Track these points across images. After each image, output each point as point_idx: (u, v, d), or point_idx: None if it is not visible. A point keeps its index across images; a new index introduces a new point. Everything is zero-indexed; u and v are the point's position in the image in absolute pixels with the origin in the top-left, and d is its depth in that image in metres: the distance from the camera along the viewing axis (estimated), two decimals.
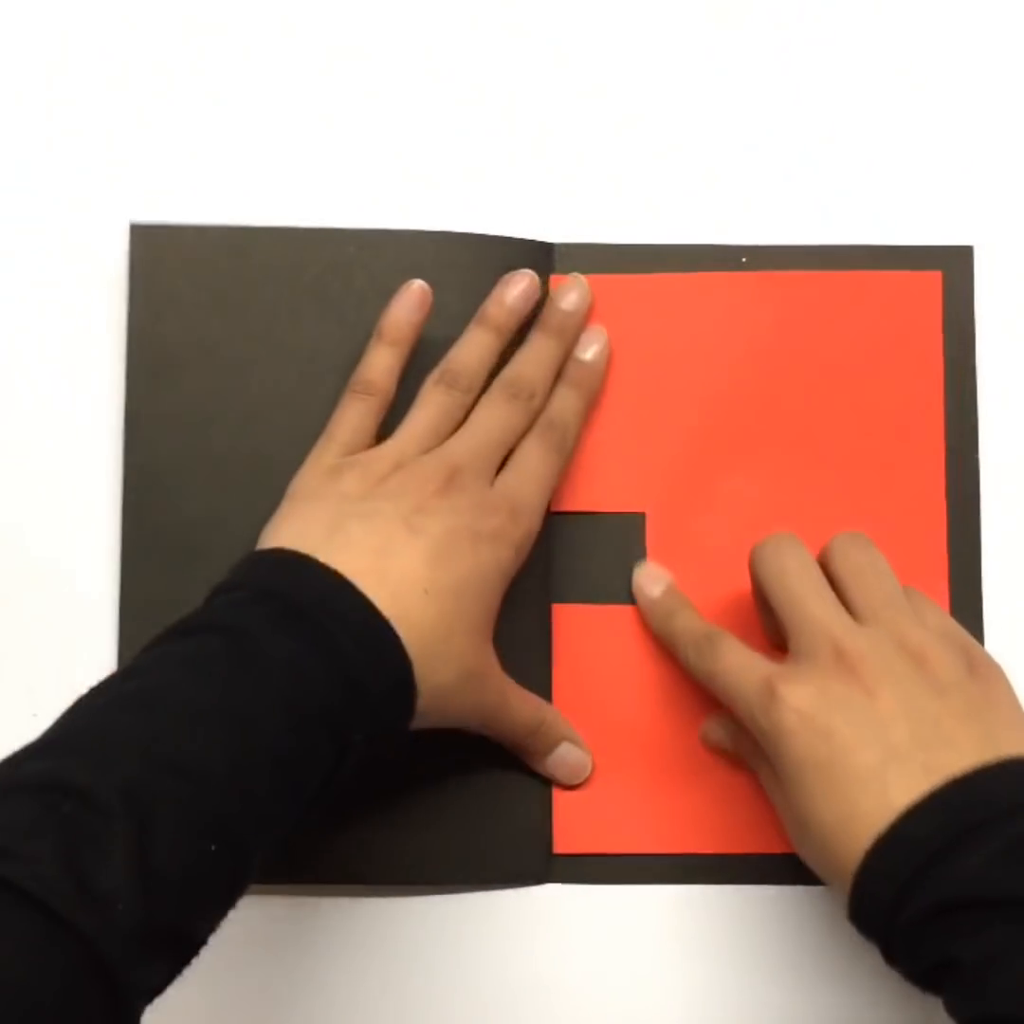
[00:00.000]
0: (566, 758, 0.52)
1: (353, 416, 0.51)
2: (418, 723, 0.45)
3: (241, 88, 0.57)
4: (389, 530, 0.46)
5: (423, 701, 0.45)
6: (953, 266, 0.55)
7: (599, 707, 0.53)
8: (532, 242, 0.55)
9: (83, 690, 0.52)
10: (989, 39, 0.57)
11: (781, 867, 0.53)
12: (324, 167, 0.56)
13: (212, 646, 0.41)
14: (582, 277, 0.53)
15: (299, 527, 0.46)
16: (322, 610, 0.42)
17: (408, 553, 0.45)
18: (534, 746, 0.51)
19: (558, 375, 0.53)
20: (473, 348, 0.52)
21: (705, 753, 0.53)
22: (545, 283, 0.54)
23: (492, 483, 0.50)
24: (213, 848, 0.37)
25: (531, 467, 0.51)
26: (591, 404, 0.54)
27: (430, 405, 0.51)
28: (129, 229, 0.54)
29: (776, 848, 0.52)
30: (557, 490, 0.53)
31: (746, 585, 0.52)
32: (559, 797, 0.53)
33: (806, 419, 0.54)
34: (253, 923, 0.52)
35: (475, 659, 0.47)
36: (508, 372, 0.52)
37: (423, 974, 0.52)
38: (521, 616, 0.53)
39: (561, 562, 0.54)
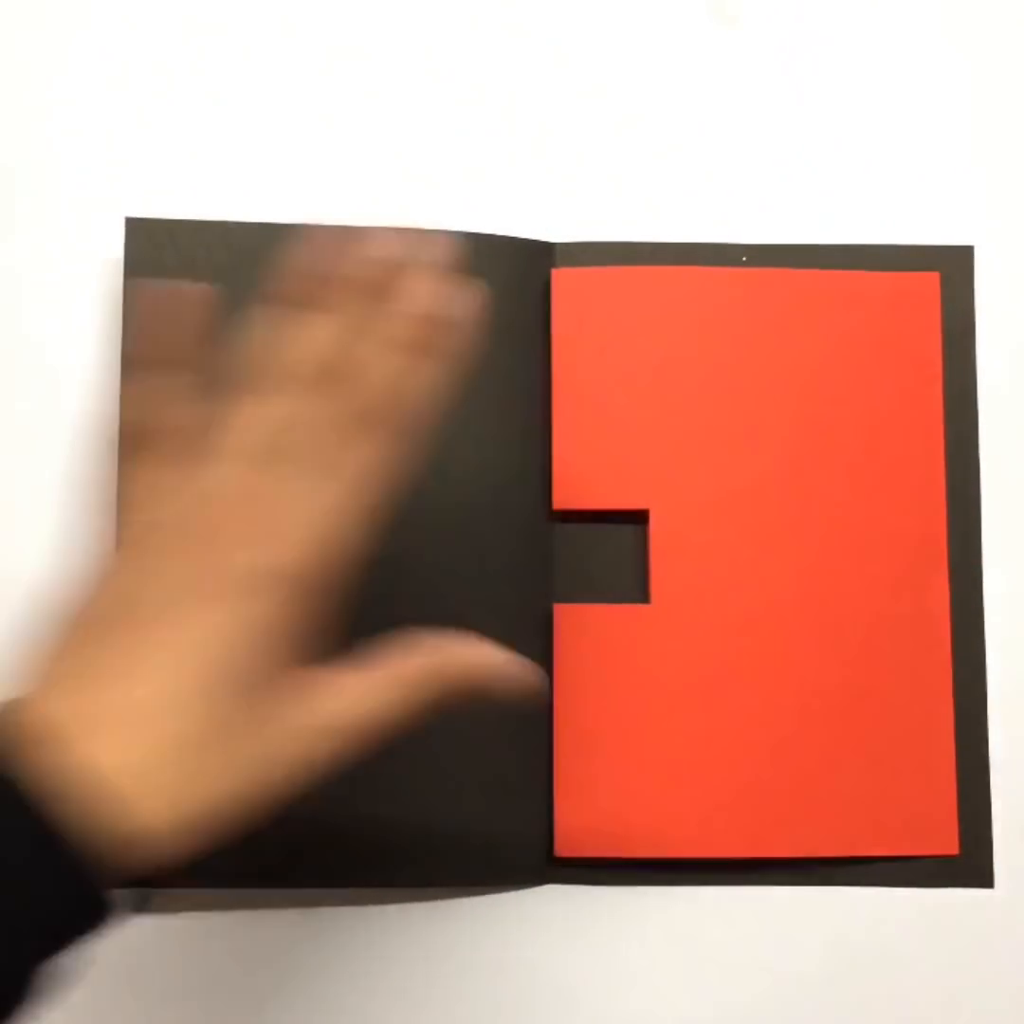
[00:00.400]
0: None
1: None
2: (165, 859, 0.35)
3: (239, 85, 0.56)
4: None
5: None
6: (953, 266, 0.56)
7: (600, 708, 0.53)
8: (532, 241, 0.55)
9: None
10: (988, 39, 0.58)
11: (782, 870, 0.53)
12: (322, 164, 0.56)
13: None
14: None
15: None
16: None
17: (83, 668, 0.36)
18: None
19: None
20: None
21: (706, 756, 0.53)
22: (546, 280, 0.54)
23: None
24: None
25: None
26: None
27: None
28: (125, 223, 0.53)
29: (777, 851, 0.52)
30: (559, 492, 0.53)
31: (746, 581, 0.52)
32: (560, 799, 0.52)
33: (807, 418, 0.54)
34: (253, 926, 0.51)
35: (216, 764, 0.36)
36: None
37: (423, 976, 0.52)
38: (521, 616, 0.52)
39: (562, 561, 0.54)
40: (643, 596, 0.54)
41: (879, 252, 0.55)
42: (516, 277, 0.54)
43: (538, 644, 0.53)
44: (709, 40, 0.57)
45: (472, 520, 0.53)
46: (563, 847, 0.52)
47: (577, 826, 0.52)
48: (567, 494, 0.54)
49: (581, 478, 0.54)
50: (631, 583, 0.54)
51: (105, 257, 0.54)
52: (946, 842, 0.53)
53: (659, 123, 0.57)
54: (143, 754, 0.34)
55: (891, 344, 0.55)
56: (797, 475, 0.54)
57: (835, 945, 0.53)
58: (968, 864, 0.53)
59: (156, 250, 0.53)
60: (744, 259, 0.55)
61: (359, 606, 0.52)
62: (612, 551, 0.54)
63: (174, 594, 0.36)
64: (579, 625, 0.53)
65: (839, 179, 0.57)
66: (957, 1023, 0.52)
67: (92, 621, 0.37)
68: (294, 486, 0.38)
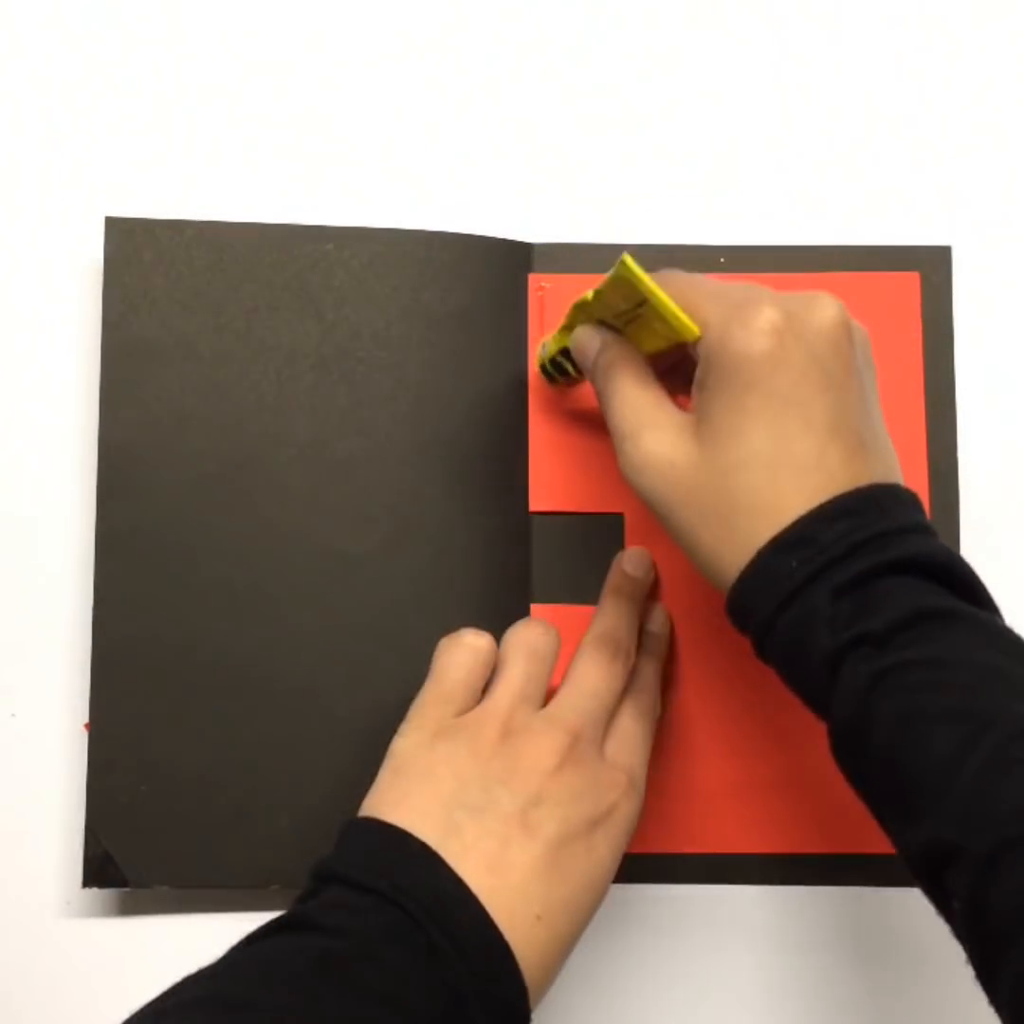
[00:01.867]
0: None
1: (460, 672, 0.48)
2: None
3: (221, 84, 0.56)
4: (505, 832, 0.43)
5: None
6: (931, 266, 0.56)
7: None
8: (511, 242, 0.55)
9: (58, 691, 0.52)
10: (968, 42, 0.58)
11: (779, 866, 0.53)
12: (304, 164, 0.56)
13: (323, 949, 0.39)
14: (646, 550, 0.53)
15: (417, 810, 0.43)
16: (441, 926, 0.40)
17: (522, 862, 0.42)
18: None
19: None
20: (627, 619, 0.51)
21: (693, 753, 0.53)
22: (524, 282, 0.54)
23: (603, 750, 0.47)
24: None
25: (632, 735, 0.49)
26: (661, 672, 0.52)
27: (528, 652, 0.48)
28: (105, 223, 0.53)
29: (774, 848, 0.53)
30: (536, 494, 0.54)
31: None
32: None
33: None
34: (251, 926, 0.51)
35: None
36: (599, 629, 0.50)
37: None
38: (499, 617, 0.53)
39: (540, 562, 0.54)
40: None
41: (857, 253, 0.55)
42: (495, 277, 0.54)
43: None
44: (690, 42, 0.57)
45: (450, 521, 0.53)
46: None
47: None
48: (544, 497, 0.54)
49: (557, 481, 0.54)
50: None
51: (80, 251, 0.55)
52: None
53: (639, 124, 0.57)
54: (556, 945, 0.42)
55: (872, 344, 0.55)
56: None
57: (837, 943, 0.53)
58: None
59: (136, 250, 0.53)
60: (722, 260, 0.55)
61: (336, 607, 0.53)
62: (589, 553, 0.54)
63: (587, 817, 0.44)
64: (557, 625, 0.53)
65: (817, 181, 0.57)
66: (954, 1018, 0.52)
67: (519, 809, 0.44)
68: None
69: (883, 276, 0.55)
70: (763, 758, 0.53)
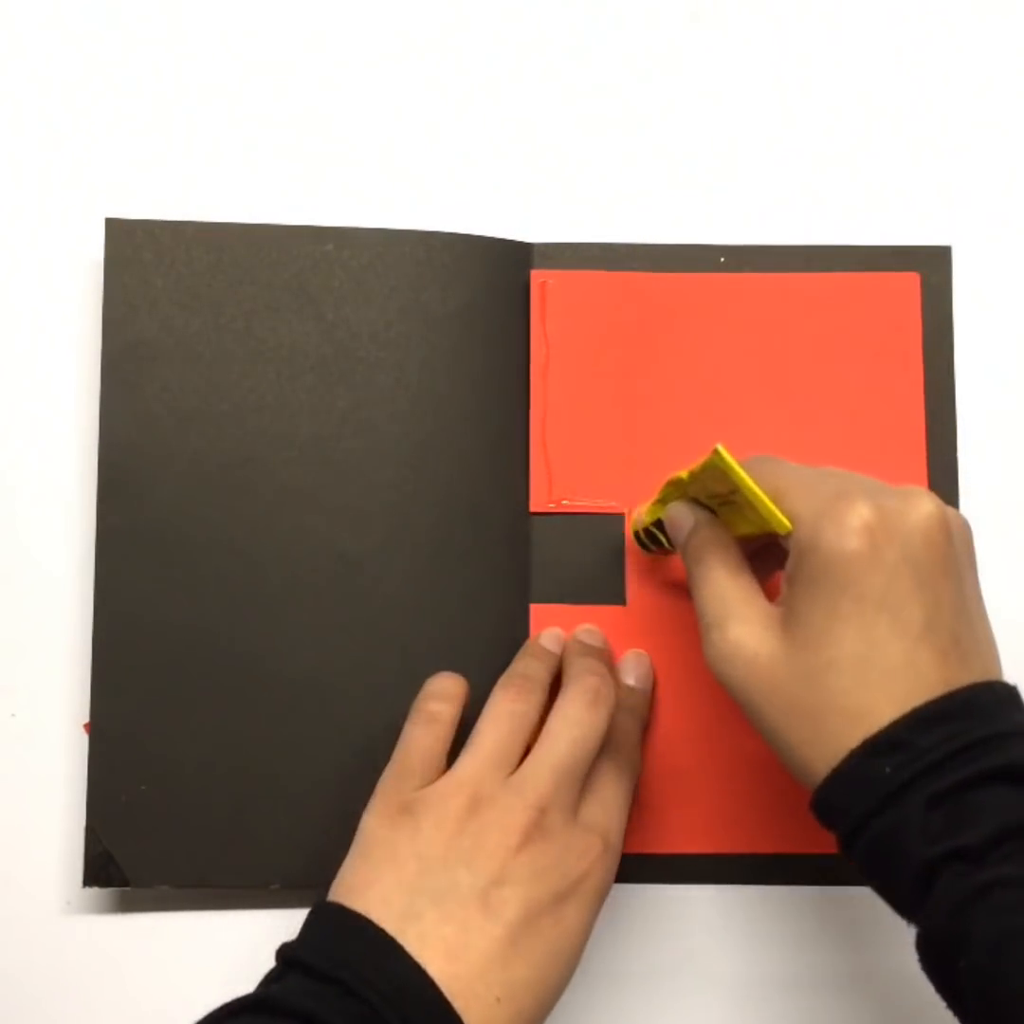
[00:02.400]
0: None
1: (423, 742, 0.48)
2: None
3: (221, 85, 0.56)
4: (465, 916, 0.43)
5: None
6: (931, 266, 0.55)
7: None
8: (511, 242, 0.55)
9: (57, 690, 0.52)
10: (967, 42, 0.58)
11: (772, 866, 0.53)
12: (303, 164, 0.56)
13: None
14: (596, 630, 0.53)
15: (379, 896, 0.44)
16: (401, 1014, 0.40)
17: (482, 947, 0.43)
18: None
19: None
20: (536, 658, 0.51)
21: (688, 753, 0.53)
22: (525, 280, 0.54)
23: (577, 813, 0.47)
24: None
25: (610, 796, 0.48)
26: (643, 728, 0.52)
27: (505, 714, 0.48)
28: (105, 224, 0.53)
29: (768, 848, 0.53)
30: (536, 494, 0.54)
31: None
32: None
33: (786, 420, 0.55)
34: (259, 927, 0.52)
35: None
36: (576, 672, 0.49)
37: None
38: (498, 616, 0.53)
39: (540, 562, 0.54)
40: (620, 597, 0.54)
41: (857, 253, 0.55)
42: (495, 277, 0.54)
43: (515, 644, 0.53)
44: (689, 41, 0.57)
45: (450, 520, 0.53)
46: None
47: None
48: (544, 496, 0.54)
49: (558, 480, 0.54)
50: (608, 585, 0.54)
51: (80, 252, 0.55)
52: None
53: (638, 123, 0.57)
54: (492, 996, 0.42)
55: (872, 344, 0.55)
56: None
57: (833, 943, 0.53)
58: None
59: (136, 250, 0.53)
60: (722, 260, 0.55)
61: (336, 606, 0.53)
62: (590, 552, 0.54)
63: (552, 891, 0.44)
64: (557, 626, 0.53)
65: (817, 180, 0.57)
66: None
67: (478, 890, 0.44)
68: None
69: (883, 276, 0.55)
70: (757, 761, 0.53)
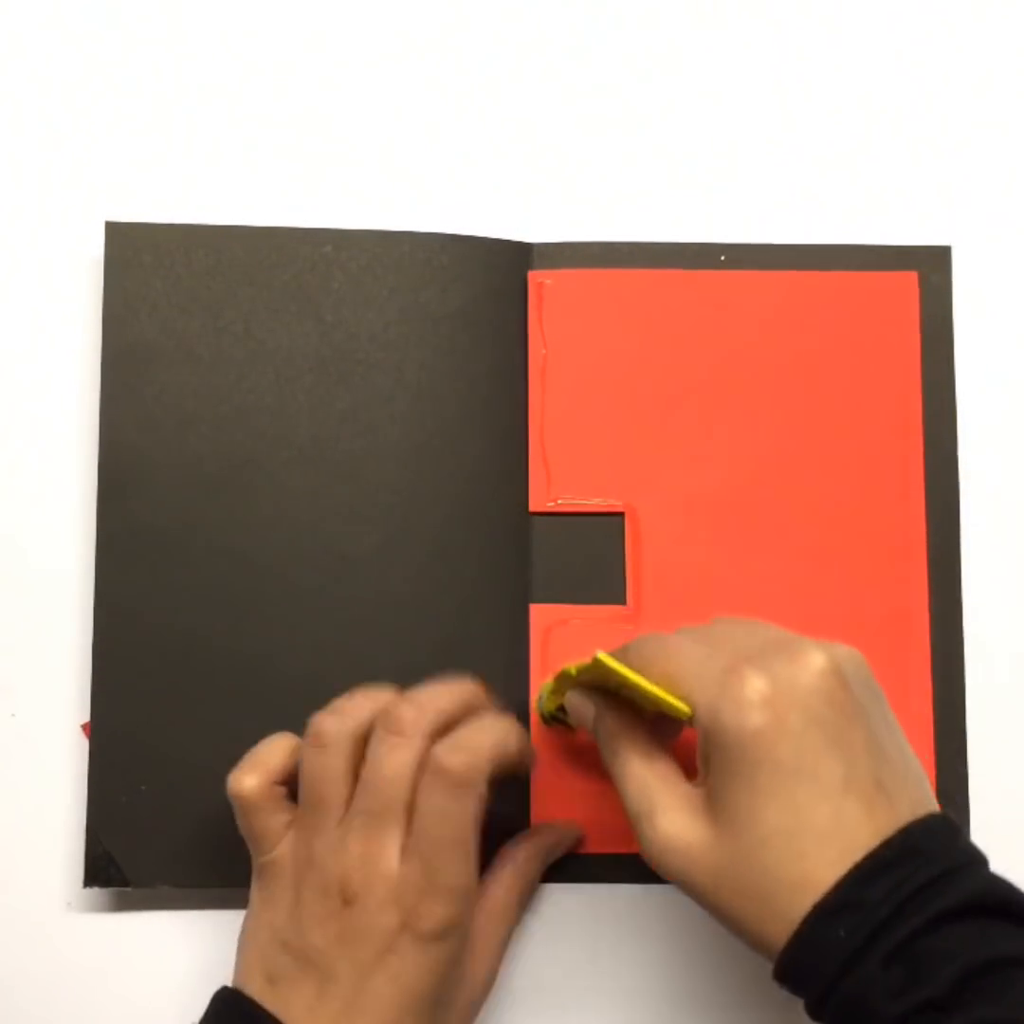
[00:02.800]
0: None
1: (241, 824, 0.48)
2: None
3: (219, 87, 0.57)
4: (304, 984, 0.45)
5: None
6: (931, 266, 0.55)
7: None
8: (510, 242, 0.55)
9: (58, 690, 0.53)
10: (967, 42, 0.58)
11: None
12: (303, 165, 0.56)
13: None
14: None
15: (244, 967, 0.46)
16: None
17: (326, 1011, 0.44)
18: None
19: None
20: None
21: (686, 754, 0.53)
22: (523, 280, 0.54)
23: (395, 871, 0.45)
24: None
25: (435, 822, 0.45)
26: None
27: (314, 765, 0.47)
28: (105, 227, 0.53)
29: None
30: (535, 494, 0.54)
31: (724, 583, 0.52)
32: (537, 800, 0.52)
33: (785, 418, 0.54)
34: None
35: None
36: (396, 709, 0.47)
37: None
38: (498, 616, 0.53)
39: (539, 562, 0.54)
40: (620, 597, 0.54)
41: (857, 252, 0.55)
42: (494, 278, 0.54)
43: (514, 644, 0.53)
44: (689, 40, 0.57)
45: (450, 520, 0.53)
46: None
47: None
48: (544, 495, 0.54)
49: (558, 479, 0.54)
50: (608, 584, 0.54)
51: (80, 255, 0.55)
52: None
53: (638, 122, 0.57)
54: None
55: (869, 343, 0.55)
56: (776, 475, 0.54)
57: None
58: None
59: (136, 253, 0.53)
60: (722, 258, 0.55)
61: (336, 607, 0.53)
62: (589, 552, 0.54)
63: (384, 941, 0.44)
64: (555, 625, 0.54)
65: (817, 180, 0.57)
66: None
67: (312, 955, 0.45)
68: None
69: (881, 275, 0.55)
70: None
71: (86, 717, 0.52)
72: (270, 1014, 0.44)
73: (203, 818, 0.52)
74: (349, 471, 0.53)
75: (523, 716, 0.53)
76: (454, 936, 0.45)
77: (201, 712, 0.52)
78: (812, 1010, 0.41)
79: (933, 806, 0.42)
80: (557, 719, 0.52)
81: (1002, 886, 0.40)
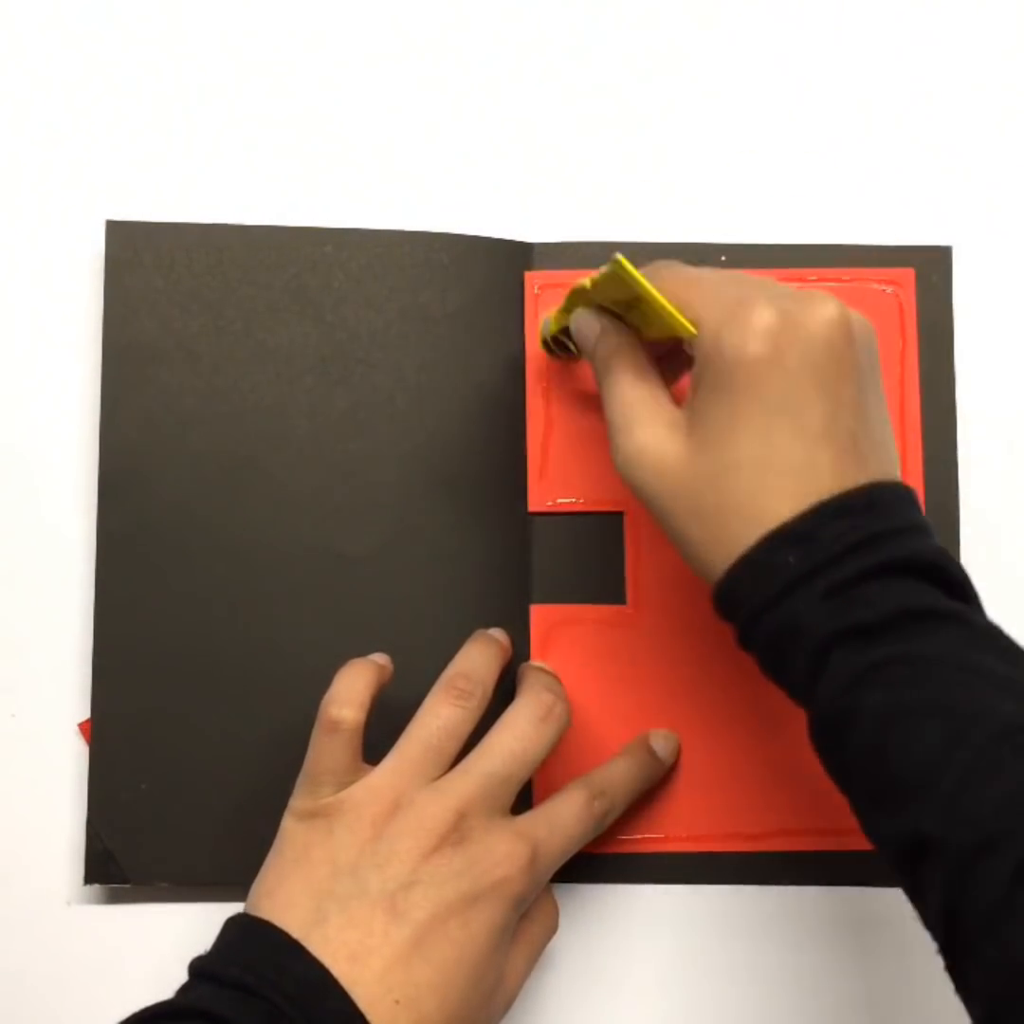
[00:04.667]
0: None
1: (327, 751, 0.47)
2: None
3: (220, 86, 0.57)
4: (369, 920, 0.43)
5: None
6: (931, 266, 0.55)
7: (576, 708, 0.53)
8: (511, 242, 0.55)
9: (58, 691, 0.53)
10: (966, 41, 0.58)
11: (770, 866, 0.53)
12: (303, 165, 0.56)
13: None
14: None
15: (285, 899, 0.44)
16: (306, 1014, 0.40)
17: (384, 950, 0.42)
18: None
19: None
20: (481, 654, 0.49)
21: (684, 752, 0.53)
22: (520, 281, 0.54)
23: (507, 814, 0.46)
24: None
25: (565, 821, 0.47)
26: (645, 784, 0.52)
27: (434, 718, 0.47)
28: (106, 226, 0.54)
29: (764, 846, 0.53)
30: (535, 494, 0.54)
31: None
32: (538, 799, 0.52)
33: None
34: None
35: None
36: (530, 684, 0.49)
37: None
38: (498, 616, 0.53)
39: (540, 562, 0.54)
40: (620, 597, 0.54)
41: (857, 252, 0.55)
42: (494, 278, 0.55)
43: (515, 643, 0.53)
44: (689, 40, 0.57)
45: (449, 522, 0.53)
46: None
47: None
48: (543, 496, 0.54)
49: (558, 479, 0.54)
50: (608, 584, 0.54)
51: (81, 254, 0.55)
52: None
53: (638, 122, 0.57)
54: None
55: None
56: None
57: (833, 943, 0.53)
58: None
59: (136, 253, 0.54)
60: (723, 258, 0.55)
61: (336, 606, 0.53)
62: (589, 552, 0.54)
63: (462, 893, 0.44)
64: (556, 625, 0.54)
65: (818, 179, 0.57)
66: (944, 1006, 0.52)
67: (386, 894, 0.43)
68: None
69: (877, 271, 0.55)
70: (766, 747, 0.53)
71: (86, 717, 0.52)
72: (312, 955, 0.42)
73: (203, 815, 0.52)
74: (349, 470, 0.53)
75: None
76: (515, 911, 0.45)
77: (200, 711, 0.52)
78: (743, 632, 0.42)
79: (899, 478, 0.43)
80: (560, 346, 0.52)
81: (941, 555, 0.41)
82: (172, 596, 0.52)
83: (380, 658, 0.49)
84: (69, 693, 0.53)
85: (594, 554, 0.54)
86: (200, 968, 0.43)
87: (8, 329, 0.55)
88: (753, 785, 0.53)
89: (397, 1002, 0.42)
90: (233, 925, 0.44)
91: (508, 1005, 0.46)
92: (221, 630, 0.52)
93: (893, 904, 0.53)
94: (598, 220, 0.56)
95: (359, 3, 0.57)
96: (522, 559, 0.54)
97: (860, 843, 0.52)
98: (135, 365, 0.53)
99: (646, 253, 0.55)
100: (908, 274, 0.55)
